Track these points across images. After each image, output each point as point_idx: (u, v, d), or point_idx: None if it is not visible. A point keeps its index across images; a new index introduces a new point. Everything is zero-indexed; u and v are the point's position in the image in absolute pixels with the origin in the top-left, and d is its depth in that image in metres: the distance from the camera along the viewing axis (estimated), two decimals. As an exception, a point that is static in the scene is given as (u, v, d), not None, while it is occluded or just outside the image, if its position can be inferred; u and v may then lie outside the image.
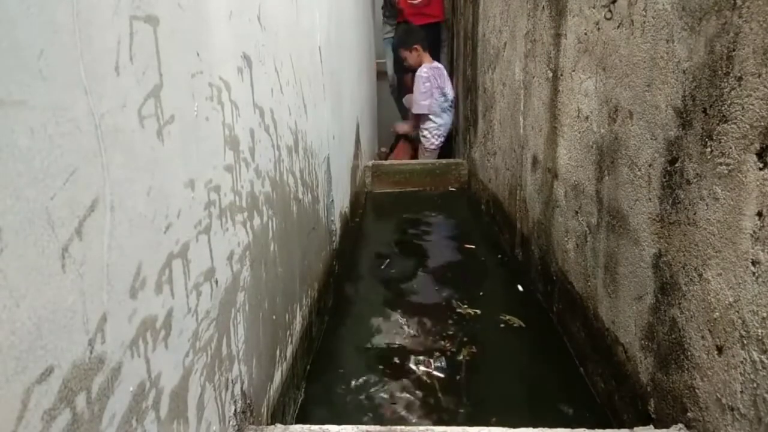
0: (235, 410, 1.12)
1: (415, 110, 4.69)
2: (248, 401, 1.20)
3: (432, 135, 4.81)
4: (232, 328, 1.12)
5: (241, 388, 1.17)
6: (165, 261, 0.82)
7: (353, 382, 1.90)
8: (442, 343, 2.12)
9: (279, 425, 1.21)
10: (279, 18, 1.62)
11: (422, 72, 4.68)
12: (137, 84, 0.76)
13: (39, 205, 0.55)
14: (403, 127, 5.29)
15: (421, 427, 1.19)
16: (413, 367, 1.97)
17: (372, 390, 1.86)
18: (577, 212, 1.88)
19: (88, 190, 0.63)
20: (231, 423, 1.09)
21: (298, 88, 1.86)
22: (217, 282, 1.03)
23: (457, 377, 1.90)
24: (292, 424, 1.30)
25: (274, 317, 1.45)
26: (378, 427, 1.18)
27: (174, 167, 0.86)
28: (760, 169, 0.96)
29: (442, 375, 1.91)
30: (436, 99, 4.73)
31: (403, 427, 1.21)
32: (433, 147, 4.86)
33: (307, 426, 1.19)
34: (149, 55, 0.79)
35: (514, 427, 1.19)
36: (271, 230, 1.45)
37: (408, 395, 1.81)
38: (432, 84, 4.70)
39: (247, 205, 1.24)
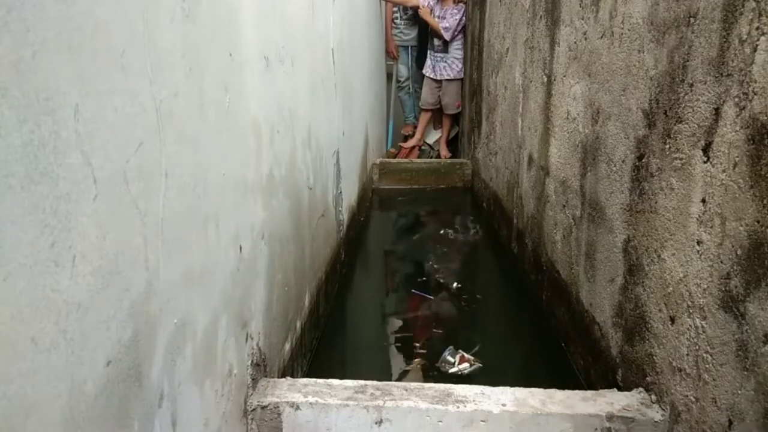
0: (252, 361, 1.30)
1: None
2: (263, 356, 1.38)
3: (459, 60, 5.02)
4: (251, 290, 1.30)
5: (257, 344, 1.35)
6: (202, 223, 1.00)
7: (355, 357, 2.09)
8: (439, 329, 2.30)
9: (289, 378, 1.38)
10: (297, 23, 1.80)
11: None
12: (185, 78, 0.94)
13: (119, 166, 0.73)
14: (409, 135, 5.53)
15: (414, 384, 1.36)
16: (409, 347, 2.15)
17: (371, 365, 2.04)
18: (564, 206, 2.05)
19: (151, 158, 0.81)
20: (248, 371, 1.27)
21: (313, 86, 2.05)
22: (241, 248, 1.22)
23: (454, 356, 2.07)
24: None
25: (286, 289, 1.63)
26: (375, 382, 1.35)
27: (210, 147, 1.05)
28: (704, 162, 1.13)
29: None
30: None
31: (396, 382, 1.39)
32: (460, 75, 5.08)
33: (313, 379, 1.36)
34: (194, 54, 0.97)
35: (493, 385, 1.36)
36: (285, 211, 1.63)
37: (400, 368, 1.99)
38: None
39: (266, 186, 1.42)
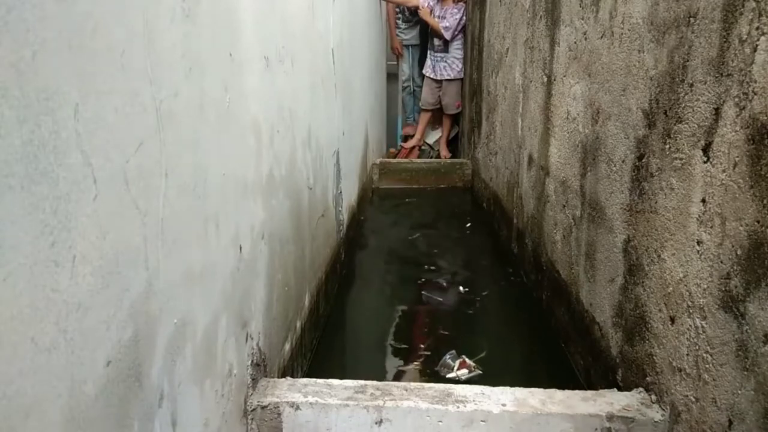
0: (252, 361, 1.30)
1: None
2: (263, 356, 1.38)
3: (459, 60, 5.03)
4: (251, 290, 1.30)
5: (257, 344, 1.35)
6: (202, 223, 1.00)
7: (355, 357, 2.08)
8: (439, 330, 2.30)
9: (289, 378, 1.38)
10: (297, 23, 1.80)
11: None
12: (185, 78, 0.94)
13: (119, 166, 0.73)
14: (409, 136, 5.54)
15: (414, 384, 1.36)
16: (409, 348, 2.15)
17: (371, 365, 2.04)
18: (564, 206, 2.05)
19: (151, 158, 0.81)
20: (248, 371, 1.27)
21: (313, 86, 2.05)
22: (241, 248, 1.22)
23: (453, 363, 2.07)
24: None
25: (286, 289, 1.63)
26: (375, 382, 1.35)
27: (210, 147, 1.04)
28: (704, 162, 1.13)
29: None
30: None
31: (396, 382, 1.39)
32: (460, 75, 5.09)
33: (313, 379, 1.36)
34: (194, 54, 0.97)
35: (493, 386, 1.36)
36: (285, 211, 1.63)
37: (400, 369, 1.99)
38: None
39: (266, 186, 1.42)
